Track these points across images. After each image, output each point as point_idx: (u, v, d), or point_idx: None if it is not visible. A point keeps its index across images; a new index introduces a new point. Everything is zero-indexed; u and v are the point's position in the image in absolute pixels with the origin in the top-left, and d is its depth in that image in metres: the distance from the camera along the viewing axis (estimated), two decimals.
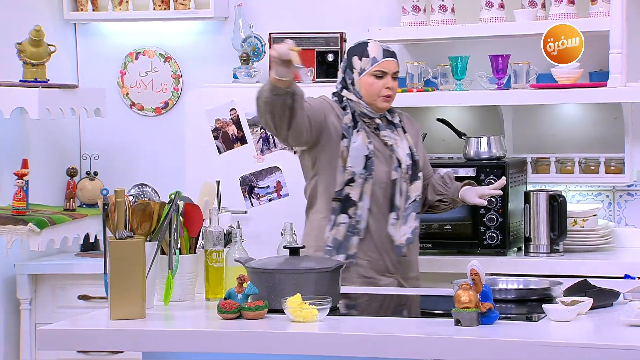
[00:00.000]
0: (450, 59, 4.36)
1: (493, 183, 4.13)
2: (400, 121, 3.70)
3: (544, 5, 4.28)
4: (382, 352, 2.68)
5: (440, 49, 4.51)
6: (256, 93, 3.42)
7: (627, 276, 3.68)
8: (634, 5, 4.11)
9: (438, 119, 4.44)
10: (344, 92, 3.64)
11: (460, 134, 4.39)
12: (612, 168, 4.28)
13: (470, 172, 4.21)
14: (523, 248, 4.25)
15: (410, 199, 3.61)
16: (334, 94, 3.69)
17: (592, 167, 4.32)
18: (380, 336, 2.73)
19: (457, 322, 2.75)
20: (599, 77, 4.21)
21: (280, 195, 4.34)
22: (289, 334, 2.78)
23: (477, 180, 4.17)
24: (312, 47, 4.48)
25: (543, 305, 2.83)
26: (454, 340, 2.65)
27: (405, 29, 4.40)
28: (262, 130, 4.34)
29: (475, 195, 3.65)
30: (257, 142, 4.37)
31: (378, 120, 3.64)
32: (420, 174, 3.65)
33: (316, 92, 4.30)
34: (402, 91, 4.40)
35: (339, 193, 3.55)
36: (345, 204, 3.55)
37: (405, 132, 3.68)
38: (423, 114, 4.56)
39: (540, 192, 4.19)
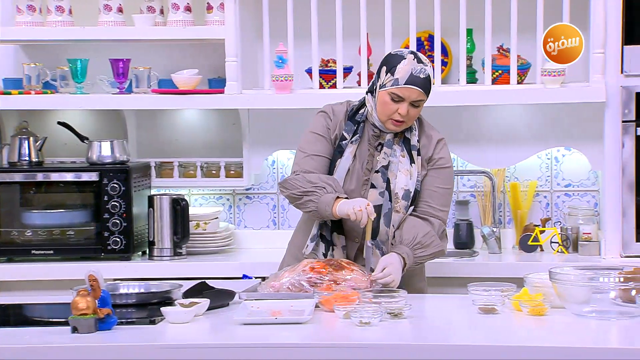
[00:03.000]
0: (69, 62, 4.28)
1: (118, 189, 4.13)
2: (418, 141, 3.34)
3: (162, 11, 4.33)
4: None
5: (59, 50, 4.42)
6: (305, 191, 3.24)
7: (245, 276, 3.81)
8: (248, 15, 4.28)
9: (59, 123, 4.34)
10: (368, 97, 3.34)
11: (82, 138, 4.32)
12: (232, 172, 4.43)
13: (93, 176, 4.16)
14: (148, 252, 4.27)
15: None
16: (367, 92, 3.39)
17: (214, 172, 4.44)
18: None
19: (75, 330, 2.71)
20: (217, 84, 4.33)
21: None
22: None
23: (99, 186, 4.14)
24: None
25: (161, 308, 2.86)
26: (69, 348, 2.61)
27: (20, 29, 4.25)
28: None
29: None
30: None
31: (388, 136, 3.32)
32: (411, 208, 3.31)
33: None
34: (19, 93, 4.25)
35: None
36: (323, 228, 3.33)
37: (419, 155, 3.33)
38: (43, 117, 4.45)
39: (164, 196, 4.23)
